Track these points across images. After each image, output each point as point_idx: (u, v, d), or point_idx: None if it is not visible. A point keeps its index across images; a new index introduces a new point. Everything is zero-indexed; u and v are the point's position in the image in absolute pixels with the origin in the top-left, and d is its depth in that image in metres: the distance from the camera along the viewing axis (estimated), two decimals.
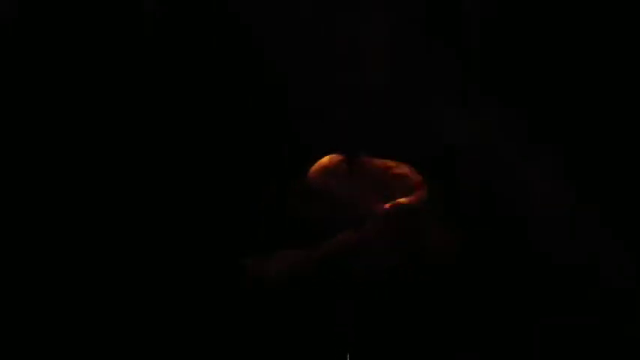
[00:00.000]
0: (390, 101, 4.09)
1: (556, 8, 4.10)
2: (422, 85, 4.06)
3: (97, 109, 4.09)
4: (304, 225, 3.50)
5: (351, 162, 3.51)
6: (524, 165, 4.01)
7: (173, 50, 4.14)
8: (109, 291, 3.93)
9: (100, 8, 4.10)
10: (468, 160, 4.03)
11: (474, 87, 4.08)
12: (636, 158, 4.04)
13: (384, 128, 4.03)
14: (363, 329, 3.50)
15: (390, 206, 3.40)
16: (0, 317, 3.87)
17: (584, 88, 4.07)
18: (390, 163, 3.52)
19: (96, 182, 4.05)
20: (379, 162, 3.52)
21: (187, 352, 3.84)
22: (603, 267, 3.90)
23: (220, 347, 3.78)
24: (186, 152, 4.10)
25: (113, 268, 3.96)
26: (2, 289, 3.92)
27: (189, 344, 3.85)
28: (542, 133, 4.01)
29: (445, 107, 4.05)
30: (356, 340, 3.50)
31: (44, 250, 3.98)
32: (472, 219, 3.92)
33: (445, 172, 3.96)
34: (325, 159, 3.55)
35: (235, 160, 4.10)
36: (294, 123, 4.06)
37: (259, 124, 4.13)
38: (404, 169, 3.50)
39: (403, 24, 4.11)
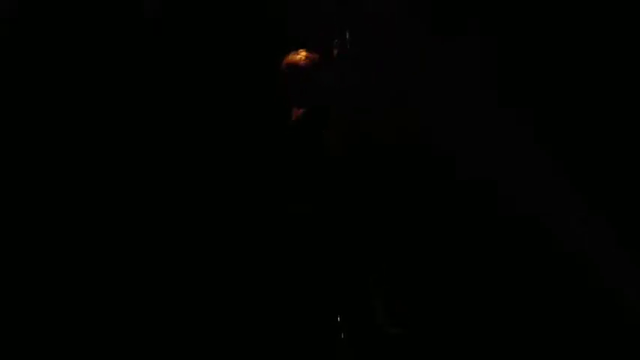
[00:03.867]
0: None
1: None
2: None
3: (97, 108, 4.11)
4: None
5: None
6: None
7: (173, 50, 4.16)
8: (109, 291, 3.95)
9: (100, 8, 4.12)
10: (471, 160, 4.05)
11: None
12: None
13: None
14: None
15: None
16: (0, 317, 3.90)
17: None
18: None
19: (96, 181, 4.06)
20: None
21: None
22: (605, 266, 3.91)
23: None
24: (186, 150, 4.12)
25: (114, 268, 3.99)
26: (2, 289, 3.93)
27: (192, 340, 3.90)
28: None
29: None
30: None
31: (44, 250, 3.99)
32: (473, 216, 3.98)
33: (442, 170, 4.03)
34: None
35: (236, 158, 4.13)
36: None
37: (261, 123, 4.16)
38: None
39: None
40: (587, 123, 4.01)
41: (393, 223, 3.93)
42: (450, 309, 3.88)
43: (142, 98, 4.14)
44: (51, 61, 4.11)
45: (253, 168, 4.08)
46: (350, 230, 3.78)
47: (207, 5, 4.19)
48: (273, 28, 4.14)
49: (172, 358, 3.85)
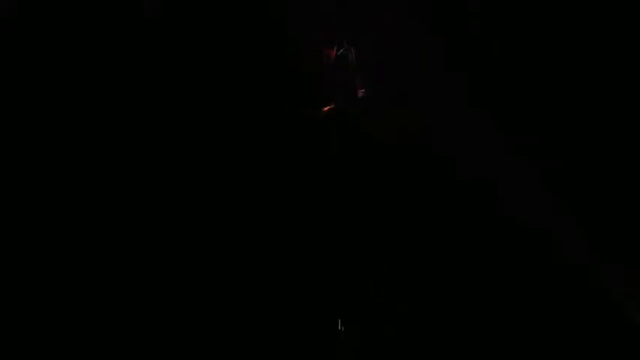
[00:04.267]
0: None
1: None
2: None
3: (97, 108, 4.09)
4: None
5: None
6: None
7: (173, 50, 4.14)
8: (109, 291, 3.93)
9: (99, 8, 4.11)
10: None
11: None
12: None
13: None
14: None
15: None
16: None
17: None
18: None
19: (96, 181, 4.04)
20: None
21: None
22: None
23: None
24: (186, 150, 4.10)
25: (113, 268, 3.97)
26: (2, 289, 3.91)
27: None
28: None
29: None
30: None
31: (44, 250, 3.97)
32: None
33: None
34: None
35: (236, 159, 4.10)
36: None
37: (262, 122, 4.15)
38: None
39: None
40: (587, 123, 4.03)
41: (393, 223, 3.95)
42: (450, 309, 3.89)
43: (143, 98, 4.13)
44: (51, 61, 4.10)
45: (253, 168, 4.07)
46: (350, 230, 3.81)
47: (207, 5, 4.19)
48: (273, 28, 4.14)
49: (172, 358, 3.85)
